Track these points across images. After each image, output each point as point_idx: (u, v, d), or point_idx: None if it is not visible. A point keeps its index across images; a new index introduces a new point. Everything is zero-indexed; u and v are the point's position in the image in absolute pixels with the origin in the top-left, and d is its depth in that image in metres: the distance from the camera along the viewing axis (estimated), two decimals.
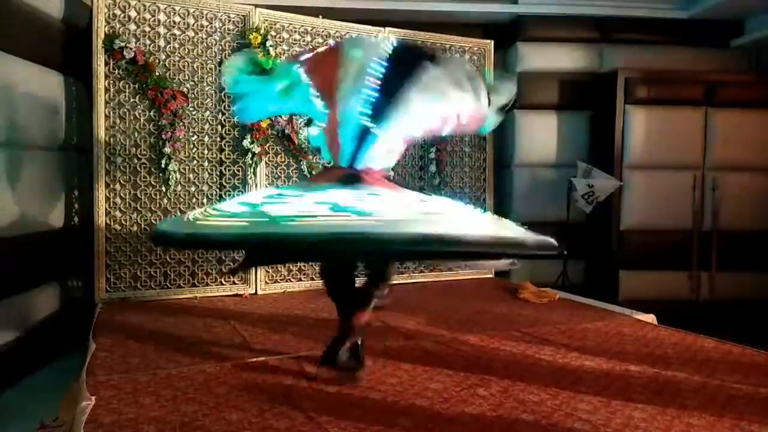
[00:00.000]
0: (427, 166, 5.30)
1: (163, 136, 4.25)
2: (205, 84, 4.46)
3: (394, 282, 3.00)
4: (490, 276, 5.47)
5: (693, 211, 5.68)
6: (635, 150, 5.68)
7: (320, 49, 2.86)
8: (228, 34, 4.53)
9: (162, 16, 4.29)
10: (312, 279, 4.70)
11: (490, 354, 3.04)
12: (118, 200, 4.19)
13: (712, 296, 5.68)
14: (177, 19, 4.35)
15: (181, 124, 4.31)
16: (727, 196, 5.66)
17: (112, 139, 4.17)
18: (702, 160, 5.71)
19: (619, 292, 5.63)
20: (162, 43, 4.30)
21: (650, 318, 3.93)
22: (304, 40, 4.79)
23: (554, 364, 2.88)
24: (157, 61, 4.26)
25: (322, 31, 4.86)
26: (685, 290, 5.70)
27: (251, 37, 4.47)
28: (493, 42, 5.59)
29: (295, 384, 2.53)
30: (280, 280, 4.68)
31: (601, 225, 5.81)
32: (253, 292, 4.55)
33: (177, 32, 4.35)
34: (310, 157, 4.74)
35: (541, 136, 6.08)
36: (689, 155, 5.69)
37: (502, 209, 5.83)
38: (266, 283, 4.62)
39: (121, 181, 4.21)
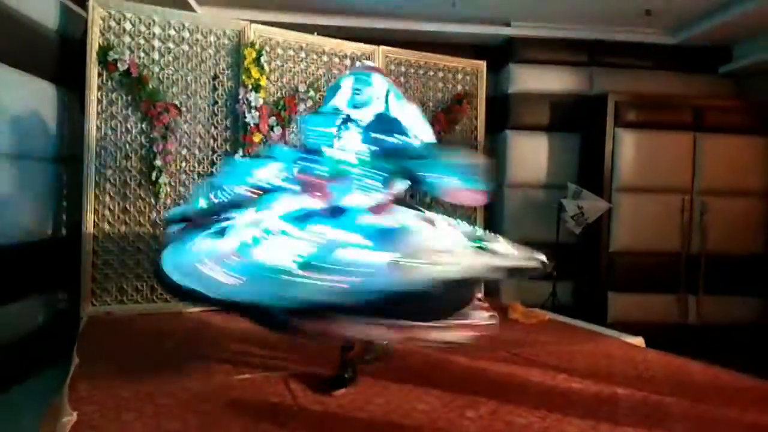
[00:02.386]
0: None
1: (155, 148, 4.23)
2: (198, 98, 4.46)
3: None
4: (479, 296, 5.45)
5: (682, 234, 5.72)
6: (625, 172, 5.73)
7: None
8: (222, 48, 4.54)
9: (157, 29, 4.30)
10: None
11: (479, 375, 3.02)
12: (107, 212, 4.16)
13: (700, 320, 5.70)
14: (172, 32, 4.36)
15: (172, 137, 4.30)
16: (715, 220, 5.71)
17: (102, 151, 4.15)
18: (691, 184, 5.76)
19: (608, 314, 5.63)
20: (156, 55, 4.31)
21: (639, 341, 3.93)
22: (298, 56, 4.82)
23: (543, 386, 2.87)
24: (151, 73, 4.25)
25: (317, 48, 4.89)
26: (674, 313, 5.72)
27: (246, 52, 4.48)
28: (485, 63, 5.65)
29: (281, 402, 2.49)
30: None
31: (590, 246, 5.84)
32: None
33: (172, 45, 4.36)
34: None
35: (531, 156, 6.13)
36: (678, 179, 5.75)
37: (492, 228, 5.82)
38: None
39: (111, 194, 4.18)
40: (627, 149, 5.72)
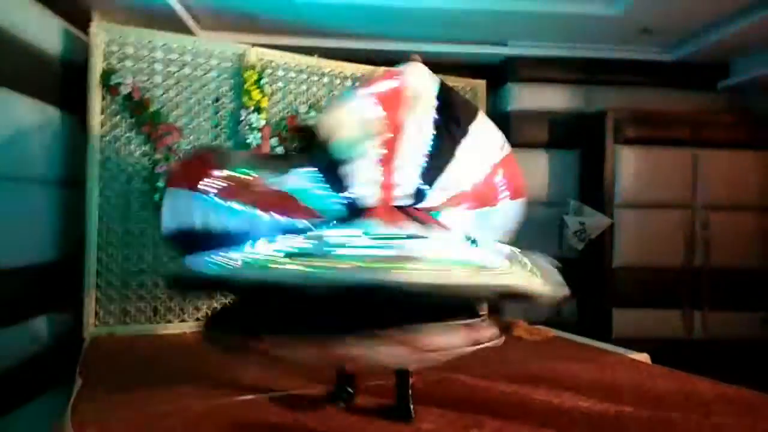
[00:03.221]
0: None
1: (157, 170, 4.26)
2: (201, 120, 4.50)
3: None
4: (483, 313, 5.42)
5: (684, 249, 5.71)
6: (625, 188, 5.73)
7: None
8: (224, 71, 4.59)
9: (159, 53, 4.36)
10: None
11: (483, 393, 3.00)
12: (110, 234, 4.17)
13: (706, 335, 5.66)
14: (174, 56, 4.41)
15: (175, 159, 4.33)
16: (717, 235, 5.70)
17: (105, 173, 4.18)
18: (692, 199, 5.76)
19: (613, 330, 5.59)
20: (158, 79, 4.36)
21: (644, 357, 3.90)
22: (299, 78, 4.87)
23: (548, 404, 2.84)
24: (153, 97, 4.30)
25: (317, 70, 4.94)
26: (679, 329, 5.68)
27: (246, 75, 4.53)
28: (485, 82, 5.69)
29: (283, 423, 2.48)
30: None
31: (593, 262, 5.82)
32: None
33: (173, 69, 4.41)
34: None
35: (532, 173, 6.13)
36: (679, 194, 5.75)
37: None
38: None
39: (114, 215, 4.19)
40: (627, 165, 5.73)
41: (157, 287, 4.29)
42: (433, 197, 2.54)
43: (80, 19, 4.35)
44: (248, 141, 4.50)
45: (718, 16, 5.26)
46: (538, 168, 6.14)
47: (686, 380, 3.34)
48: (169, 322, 4.31)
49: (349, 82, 5.07)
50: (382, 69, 5.18)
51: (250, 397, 2.80)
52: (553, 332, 4.65)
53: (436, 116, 2.47)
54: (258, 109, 4.54)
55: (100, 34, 4.15)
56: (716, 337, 5.63)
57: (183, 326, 4.33)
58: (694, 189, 5.77)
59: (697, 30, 5.63)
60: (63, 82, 4.11)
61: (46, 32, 3.96)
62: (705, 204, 5.74)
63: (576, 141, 6.13)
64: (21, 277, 3.56)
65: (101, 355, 3.57)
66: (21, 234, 3.58)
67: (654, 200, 5.73)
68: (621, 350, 4.07)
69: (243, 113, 4.51)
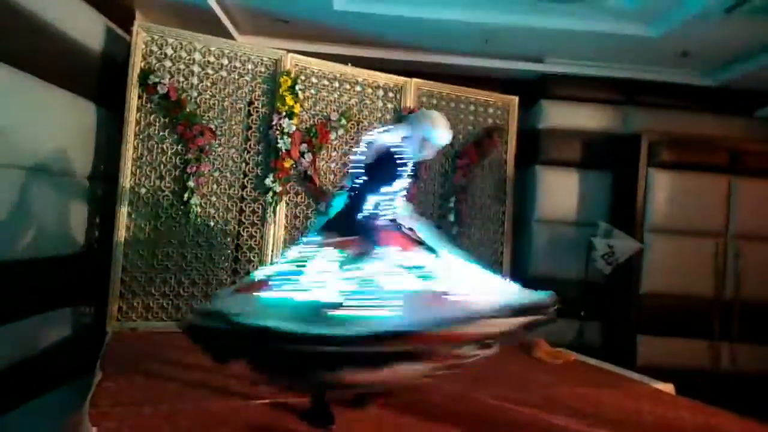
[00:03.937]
0: (447, 214, 5.29)
1: (188, 170, 4.31)
2: (233, 122, 4.55)
3: None
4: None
5: (715, 278, 5.56)
6: (657, 213, 5.62)
7: None
8: (259, 76, 4.64)
9: (197, 56, 4.43)
10: None
11: (501, 414, 2.94)
12: (138, 230, 4.23)
13: (734, 368, 5.50)
14: (212, 59, 4.48)
15: (206, 159, 4.38)
16: (750, 266, 5.54)
17: (138, 170, 4.24)
18: (725, 228, 5.62)
19: (638, 358, 5.47)
20: (195, 80, 4.42)
21: (669, 387, 3.80)
22: (332, 86, 4.89)
23: (566, 429, 2.78)
24: (188, 97, 4.36)
25: (350, 78, 4.96)
26: (706, 360, 5.53)
27: (281, 80, 4.57)
28: (518, 98, 5.66)
29: (298, 428, 2.46)
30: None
31: (620, 287, 5.71)
32: None
33: (210, 71, 4.47)
34: (329, 199, 4.77)
35: (562, 192, 6.06)
36: (712, 222, 5.62)
37: (520, 263, 5.77)
38: None
39: (143, 212, 4.25)
40: (660, 189, 5.62)
41: (180, 285, 4.33)
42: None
43: (123, 18, 4.45)
44: (278, 145, 4.53)
45: (760, 43, 5.15)
46: (568, 187, 6.06)
47: (711, 414, 3.24)
48: None
49: (381, 92, 5.09)
50: (414, 80, 5.21)
51: (265, 401, 2.79)
52: (575, 356, 4.55)
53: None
54: (290, 115, 4.57)
55: (141, 34, 4.23)
56: (744, 370, 5.46)
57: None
58: (727, 217, 5.63)
59: (737, 56, 5.52)
60: (102, 78, 4.20)
61: (88, 29, 4.05)
62: (738, 233, 5.60)
63: (608, 162, 6.04)
64: (48, 268, 3.62)
65: (122, 349, 3.61)
66: (50, 225, 3.65)
67: (686, 227, 5.60)
68: (645, 379, 3.97)
69: (275, 118, 4.55)
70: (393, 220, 2.85)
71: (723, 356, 5.53)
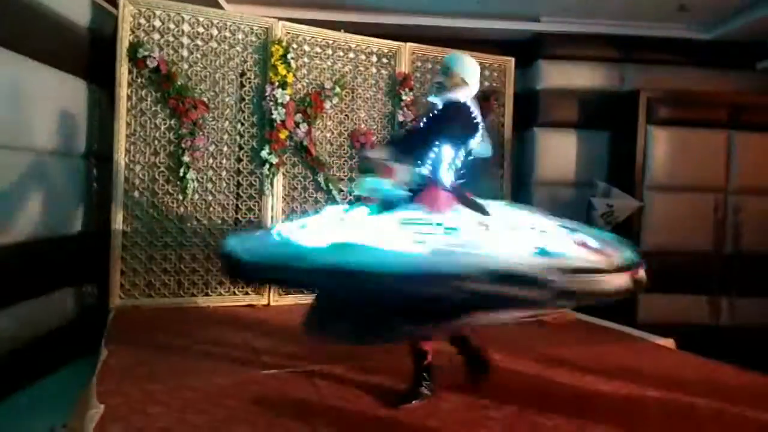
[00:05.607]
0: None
1: (183, 144, 4.28)
2: (225, 94, 4.49)
3: None
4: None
5: (714, 234, 5.57)
6: (656, 171, 5.60)
7: None
8: (250, 45, 4.56)
9: (186, 27, 4.34)
10: None
11: (504, 374, 2.98)
12: (135, 207, 4.22)
13: (733, 321, 5.55)
14: (201, 29, 4.40)
15: (200, 133, 4.34)
16: (749, 220, 5.55)
17: (132, 147, 4.21)
18: (724, 183, 5.61)
19: (638, 315, 5.51)
20: (185, 53, 4.35)
21: (669, 343, 3.84)
22: (325, 54, 4.82)
23: (569, 387, 2.82)
24: (179, 70, 4.30)
25: (343, 45, 4.88)
26: (705, 315, 5.58)
27: (273, 49, 4.50)
28: (514, 59, 5.58)
29: (306, 398, 2.50)
30: (294, 291, 4.66)
31: None
32: (266, 303, 4.53)
33: (200, 43, 4.40)
34: (327, 169, 4.76)
35: (560, 153, 6.03)
36: (711, 177, 5.60)
37: None
38: (279, 294, 4.60)
39: (140, 189, 4.23)
40: (659, 147, 5.59)
41: (181, 261, 4.34)
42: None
43: None
44: (273, 116, 4.48)
45: None
46: (566, 148, 6.04)
47: (711, 367, 3.28)
48: (194, 295, 4.36)
49: (374, 58, 5.01)
50: (408, 45, 5.13)
51: (273, 371, 2.83)
52: (577, 315, 4.59)
53: None
54: (283, 85, 4.51)
55: (128, 7, 4.14)
56: (743, 323, 5.52)
57: (207, 300, 4.38)
58: (727, 172, 5.61)
59: (736, 8, 5.42)
60: (90, 54, 4.13)
61: (74, 4, 3.96)
62: (738, 188, 5.59)
63: (607, 121, 5.99)
64: (47, 249, 3.62)
65: (126, 327, 3.64)
66: (47, 205, 3.63)
67: (685, 183, 5.59)
68: (646, 335, 4.02)
69: (268, 88, 4.49)
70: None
71: (723, 310, 5.58)
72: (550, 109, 5.93)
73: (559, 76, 6.03)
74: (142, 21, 4.21)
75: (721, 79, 6.04)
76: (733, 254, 5.56)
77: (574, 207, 5.79)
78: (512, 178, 5.63)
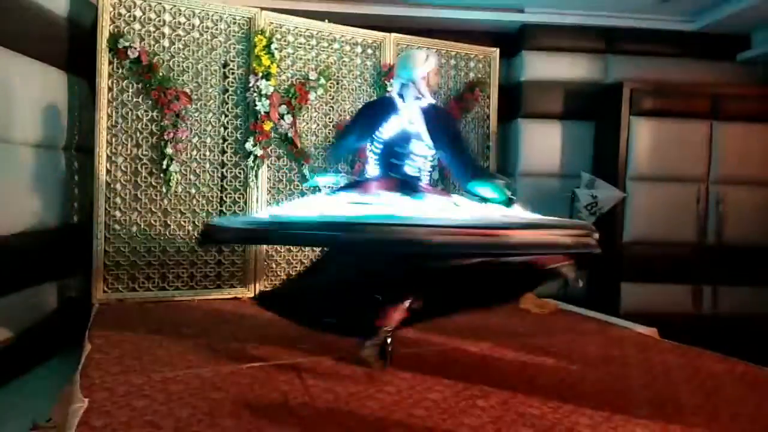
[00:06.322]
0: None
1: (165, 136, 4.23)
2: (208, 85, 4.44)
3: None
4: None
5: (697, 224, 5.64)
6: (639, 161, 5.64)
7: None
8: (233, 36, 4.51)
9: (167, 17, 4.28)
10: None
11: (490, 364, 3.00)
12: (118, 200, 4.17)
13: (715, 311, 5.63)
14: (182, 19, 4.34)
15: (183, 125, 4.29)
16: (731, 210, 5.61)
17: (113, 139, 4.15)
18: (707, 173, 5.66)
19: (621, 305, 5.57)
20: (166, 43, 4.29)
21: (652, 332, 3.89)
22: (309, 44, 4.78)
23: (555, 376, 2.84)
24: (161, 61, 4.24)
25: (328, 35, 4.85)
26: (688, 304, 5.65)
27: (256, 39, 4.45)
28: (498, 50, 5.58)
29: (292, 390, 2.49)
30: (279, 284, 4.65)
31: (603, 236, 5.74)
32: (252, 296, 4.51)
33: (182, 33, 4.34)
34: (312, 161, 4.73)
35: (544, 145, 6.05)
36: (694, 168, 5.65)
37: None
38: (265, 287, 4.58)
39: (122, 181, 4.18)
40: (642, 138, 5.62)
41: (165, 254, 4.30)
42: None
43: None
44: (257, 108, 4.44)
45: None
46: (550, 139, 6.05)
47: (694, 355, 3.33)
48: (178, 289, 4.33)
49: (359, 49, 4.98)
50: (393, 35, 5.13)
51: (258, 364, 2.81)
52: (561, 305, 4.63)
53: None
54: (267, 75, 4.47)
55: None
56: (726, 312, 5.60)
57: (191, 293, 4.35)
58: (709, 162, 5.66)
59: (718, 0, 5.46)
60: (70, 44, 4.05)
61: None
62: (720, 178, 5.65)
63: (591, 112, 6.02)
64: (29, 243, 3.56)
65: (110, 320, 3.60)
66: (27, 199, 3.57)
67: (668, 174, 5.63)
68: (629, 324, 4.06)
69: (252, 79, 4.45)
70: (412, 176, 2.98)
71: (705, 300, 5.66)
72: (534, 101, 5.94)
73: (544, 67, 6.04)
74: (123, 11, 4.15)
75: (703, 71, 6.08)
76: (715, 244, 5.62)
77: (557, 198, 5.83)
78: (497, 170, 5.64)
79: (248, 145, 4.46)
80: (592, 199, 5.53)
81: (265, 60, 4.45)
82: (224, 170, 4.52)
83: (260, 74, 4.45)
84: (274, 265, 4.67)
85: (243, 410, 2.26)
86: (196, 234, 4.36)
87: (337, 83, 4.90)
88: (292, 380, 2.61)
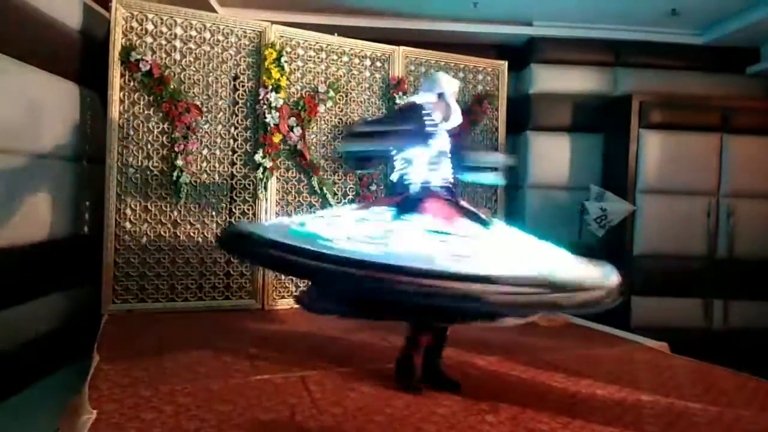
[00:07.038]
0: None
1: (176, 148, 4.26)
2: (218, 98, 4.48)
3: None
4: None
5: (707, 237, 5.60)
6: (649, 174, 5.62)
7: None
8: (243, 49, 4.55)
9: (179, 30, 4.33)
10: None
11: (500, 379, 2.98)
12: (128, 211, 4.19)
13: (726, 325, 5.57)
14: (193, 33, 4.38)
15: (194, 137, 4.32)
16: (742, 224, 5.58)
17: (124, 151, 4.18)
18: (717, 187, 5.64)
19: (632, 319, 5.52)
20: (178, 56, 4.33)
21: (663, 346, 3.85)
22: (318, 57, 4.81)
23: (565, 391, 2.81)
24: (172, 74, 4.28)
25: (337, 48, 4.88)
26: (699, 318, 5.60)
27: (266, 52, 4.49)
28: (507, 63, 5.59)
29: (300, 403, 2.48)
30: (287, 296, 4.64)
31: (613, 249, 5.73)
32: (260, 307, 4.51)
33: (193, 46, 4.38)
34: (321, 173, 4.75)
35: (553, 157, 6.05)
36: (704, 181, 5.63)
37: None
38: (273, 298, 4.58)
39: (132, 193, 4.21)
40: (652, 150, 5.61)
41: (174, 265, 4.31)
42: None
43: None
44: (266, 120, 4.47)
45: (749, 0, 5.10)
46: (559, 152, 6.06)
47: (705, 370, 3.29)
48: (187, 300, 4.34)
49: (368, 62, 5.01)
50: (402, 48, 5.15)
51: (266, 376, 2.81)
52: (571, 319, 4.60)
53: None
54: (277, 88, 4.50)
55: (120, 10, 4.12)
56: (737, 327, 5.54)
57: (200, 304, 4.36)
58: (719, 176, 5.64)
59: (727, 13, 5.47)
60: (83, 57, 4.10)
61: (66, 6, 3.93)
62: (730, 191, 5.62)
63: (600, 125, 6.02)
64: (39, 253, 3.58)
65: (119, 331, 3.61)
66: (39, 210, 3.60)
67: (678, 187, 5.61)
68: (639, 338, 4.02)
69: (262, 92, 4.48)
70: (448, 189, 2.86)
71: (716, 314, 5.60)
72: (543, 113, 5.96)
73: (552, 79, 6.06)
74: (135, 24, 4.20)
75: (712, 84, 6.08)
76: (726, 258, 5.58)
77: (567, 211, 5.82)
78: (505, 182, 5.62)
79: (257, 157, 4.48)
80: (602, 212, 5.51)
81: (275, 73, 4.48)
82: (233, 182, 4.54)
83: (270, 87, 4.48)
84: (283, 277, 4.66)
85: (251, 423, 2.25)
86: (205, 246, 4.38)
87: (346, 96, 4.93)
88: (300, 393, 2.61)
